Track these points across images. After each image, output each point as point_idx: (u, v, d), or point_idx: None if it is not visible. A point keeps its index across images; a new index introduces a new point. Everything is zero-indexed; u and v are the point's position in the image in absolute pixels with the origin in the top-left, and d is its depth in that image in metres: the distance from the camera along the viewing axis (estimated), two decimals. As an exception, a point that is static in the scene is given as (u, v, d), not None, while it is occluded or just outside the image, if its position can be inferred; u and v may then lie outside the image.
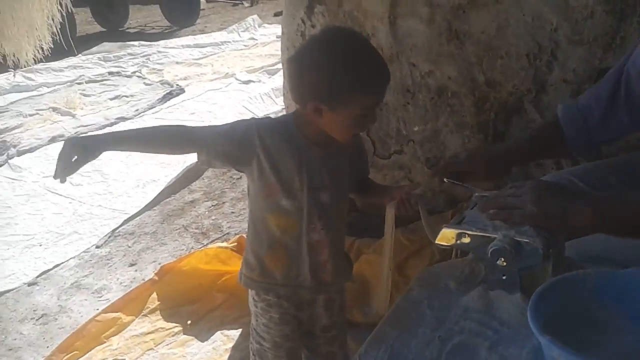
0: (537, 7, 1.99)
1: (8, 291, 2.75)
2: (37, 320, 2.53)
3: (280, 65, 5.71)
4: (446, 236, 1.18)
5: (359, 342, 1.93)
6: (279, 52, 6.13)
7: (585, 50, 1.96)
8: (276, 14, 8.41)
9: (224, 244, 2.56)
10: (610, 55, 1.93)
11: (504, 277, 1.11)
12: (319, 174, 1.31)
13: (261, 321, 1.41)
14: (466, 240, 1.16)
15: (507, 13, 2.03)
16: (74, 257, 2.95)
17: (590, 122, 1.39)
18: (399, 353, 1.04)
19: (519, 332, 1.02)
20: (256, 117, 4.36)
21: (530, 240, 1.08)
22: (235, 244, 2.51)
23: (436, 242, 1.20)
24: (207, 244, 2.83)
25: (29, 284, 2.78)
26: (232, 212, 3.17)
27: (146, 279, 2.55)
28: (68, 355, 2.17)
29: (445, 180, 1.39)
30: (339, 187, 1.36)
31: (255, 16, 7.88)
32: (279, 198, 1.30)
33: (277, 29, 7.21)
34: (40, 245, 3.10)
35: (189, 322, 2.27)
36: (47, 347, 2.33)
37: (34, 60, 5.28)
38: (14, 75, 5.96)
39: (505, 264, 1.09)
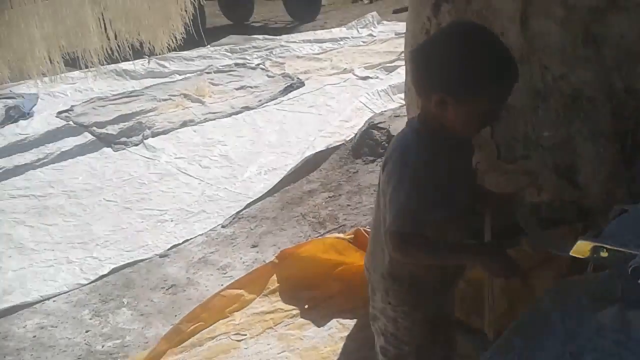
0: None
1: (141, 260, 3.02)
2: (166, 289, 2.76)
3: (398, 63, 5.74)
4: (582, 249, 1.16)
5: (477, 347, 1.94)
6: (397, 49, 6.22)
7: None
8: (395, 11, 8.38)
9: (341, 235, 2.64)
10: None
11: (643, 296, 1.08)
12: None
13: (403, 324, 1.44)
14: (604, 254, 1.13)
15: (653, 18, 1.93)
16: (201, 234, 3.18)
17: None
18: None
19: None
20: (373, 112, 4.42)
21: (676, 258, 1.05)
22: (352, 236, 2.58)
23: (570, 253, 1.18)
24: (324, 233, 2.94)
25: (161, 256, 3.04)
26: (348, 205, 3.25)
27: (267, 261, 2.70)
28: (194, 325, 2.36)
29: None
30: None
31: (374, 13, 7.92)
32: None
33: (395, 26, 7.22)
34: (172, 221, 3.37)
35: (306, 306, 2.39)
36: (175, 315, 2.55)
37: (168, 48, 5.66)
38: (149, 62, 6.44)
39: (647, 282, 1.06)
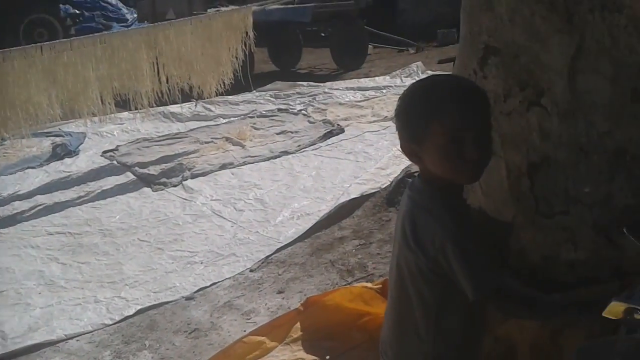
0: None
1: (167, 302, 3.01)
2: (189, 333, 2.72)
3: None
4: (615, 310, 1.09)
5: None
6: None
7: None
8: (440, 62, 8.42)
9: (369, 284, 2.57)
10: None
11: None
12: None
13: None
14: (638, 316, 1.06)
15: None
16: (229, 278, 3.15)
17: None
18: None
19: None
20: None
21: None
22: (380, 285, 2.50)
23: (603, 314, 1.11)
24: (352, 281, 2.87)
25: (187, 298, 3.02)
26: (379, 254, 3.18)
27: (292, 308, 2.65)
28: (214, 372, 2.30)
29: None
30: None
31: (419, 63, 7.97)
32: None
33: (440, 77, 7.21)
34: (201, 263, 3.36)
35: (327, 357, 2.30)
36: (195, 360, 2.50)
37: (216, 93, 5.81)
38: (196, 105, 6.62)
39: (687, 352, 0.97)
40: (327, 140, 5.39)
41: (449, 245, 1.23)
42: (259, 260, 3.28)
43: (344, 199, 3.89)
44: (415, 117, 1.26)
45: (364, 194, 3.95)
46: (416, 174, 1.37)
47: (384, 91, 7.15)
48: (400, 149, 1.34)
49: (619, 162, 2.10)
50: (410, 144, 1.27)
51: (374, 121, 5.86)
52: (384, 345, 1.46)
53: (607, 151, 2.12)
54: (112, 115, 5.16)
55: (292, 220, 3.76)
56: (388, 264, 2.96)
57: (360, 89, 7.35)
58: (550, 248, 2.34)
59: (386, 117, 5.90)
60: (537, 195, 2.35)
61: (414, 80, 7.25)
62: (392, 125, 5.58)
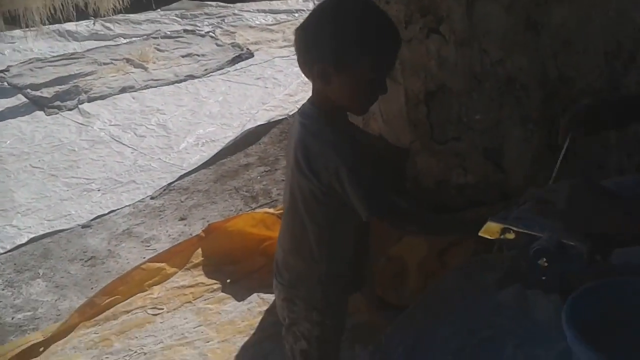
0: (623, 4, 1.88)
1: (62, 231, 2.89)
2: (85, 261, 2.65)
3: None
4: (490, 230, 1.15)
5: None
6: None
7: (670, 53, 1.84)
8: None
9: (271, 210, 2.59)
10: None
11: (543, 278, 1.07)
12: None
13: (331, 324, 1.44)
14: (510, 236, 1.12)
15: (591, 7, 1.93)
16: (128, 205, 3.06)
17: None
18: (425, 338, 1.03)
19: (550, 333, 0.99)
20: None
21: (576, 243, 1.04)
22: (282, 211, 2.52)
23: (479, 234, 1.17)
24: (255, 207, 2.88)
25: (83, 226, 2.92)
26: (283, 180, 3.18)
27: (193, 234, 2.62)
28: (110, 299, 2.27)
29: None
30: None
31: (333, -13, 7.78)
32: None
33: (353, 2, 7.12)
34: (99, 190, 3.23)
35: (228, 280, 2.33)
36: (92, 288, 2.45)
37: (114, 10, 5.41)
38: (94, 24, 6.17)
39: (546, 264, 1.05)
40: (236, 64, 5.21)
41: (342, 169, 1.24)
42: (161, 188, 3.20)
43: (250, 125, 3.82)
44: (347, 43, 1.19)
45: (272, 120, 3.89)
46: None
47: (296, 15, 6.94)
48: (303, 67, 1.25)
49: (509, 91, 2.20)
50: (326, 65, 1.19)
51: (285, 46, 5.71)
52: (279, 268, 1.49)
53: (498, 80, 2.20)
54: (2, 33, 4.72)
55: (196, 147, 3.66)
56: (292, 190, 3.01)
57: (272, 11, 7.09)
58: (443, 173, 2.45)
59: (297, 42, 5.78)
60: (432, 122, 2.43)
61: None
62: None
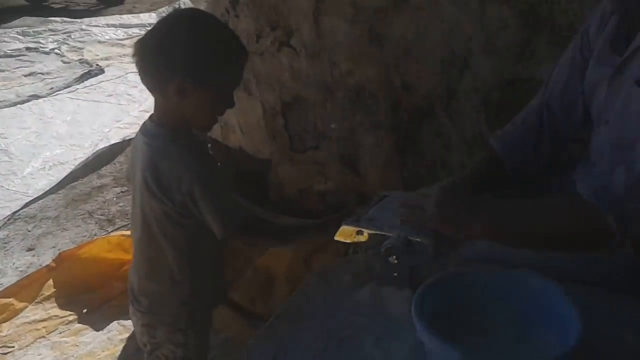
0: (455, 16, 2.04)
1: None
2: None
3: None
4: (345, 233, 1.19)
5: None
6: None
7: (497, 60, 2.02)
8: None
9: (128, 232, 2.47)
10: (520, 66, 2.01)
11: (395, 274, 1.12)
12: None
13: (194, 344, 1.42)
14: (363, 237, 1.17)
15: (426, 20, 2.07)
16: (-34, 239, 2.76)
17: (527, 154, 1.40)
18: (287, 346, 1.04)
19: (405, 327, 1.03)
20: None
21: (421, 239, 1.10)
22: (138, 234, 2.42)
23: (335, 238, 1.21)
24: (112, 231, 2.73)
25: None
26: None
27: (44, 265, 2.43)
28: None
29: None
30: None
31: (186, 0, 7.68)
32: None
33: (207, 16, 7.07)
34: None
35: (84, 310, 2.20)
36: None
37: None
38: None
39: (396, 261, 1.10)
40: (85, 82, 4.94)
41: (196, 188, 1.22)
42: (4, 217, 2.93)
43: (103, 144, 3.64)
44: (203, 60, 1.19)
45: (127, 138, 3.72)
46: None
47: (149, 28, 6.76)
48: (154, 82, 1.22)
49: (360, 100, 2.30)
50: (183, 80, 1.18)
51: (138, 62, 5.53)
52: (135, 295, 1.42)
53: (349, 90, 2.29)
54: None
55: (43, 171, 3.40)
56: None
57: (122, 25, 6.81)
58: (304, 181, 2.51)
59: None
60: (290, 133, 2.47)
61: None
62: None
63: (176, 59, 1.19)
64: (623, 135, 1.13)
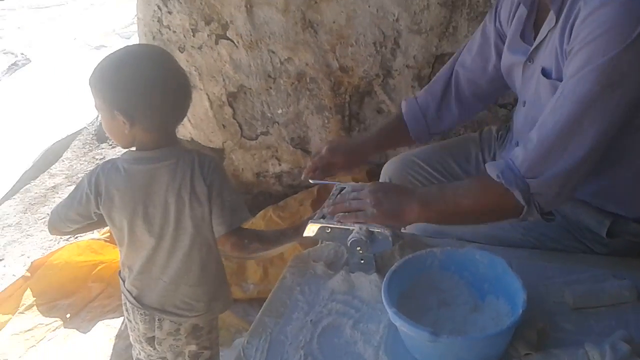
0: (380, 0, 2.17)
1: None
2: None
3: (135, 27, 5.45)
4: (312, 229, 1.33)
5: (241, 316, 2.09)
6: (133, 12, 5.79)
7: (424, 38, 2.19)
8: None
9: (95, 235, 2.54)
10: (445, 42, 2.19)
11: (362, 261, 1.29)
12: None
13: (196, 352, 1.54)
14: (329, 232, 1.32)
15: (354, 4, 2.19)
16: None
17: (428, 116, 1.62)
18: (277, 340, 1.16)
19: (377, 308, 1.19)
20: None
21: (381, 229, 1.27)
22: (108, 234, 2.49)
23: (304, 235, 1.35)
24: (76, 230, 2.77)
25: None
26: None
27: (16, 275, 2.48)
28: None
29: (310, 181, 1.54)
30: None
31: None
32: None
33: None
34: None
35: (68, 315, 2.28)
36: None
37: None
38: None
39: (362, 251, 1.27)
40: (13, 74, 4.79)
41: (216, 177, 1.38)
42: (-37, 230, 2.93)
43: (48, 143, 3.59)
44: (136, 99, 1.28)
45: (71, 133, 3.70)
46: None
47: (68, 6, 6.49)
48: (104, 104, 1.30)
49: (302, 85, 2.43)
50: (124, 118, 1.29)
51: (64, 44, 5.34)
52: (176, 306, 1.47)
53: (290, 76, 2.42)
54: None
55: (-8, 177, 3.36)
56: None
57: (39, 7, 6.55)
58: (259, 165, 2.65)
59: (76, 38, 5.43)
60: (239, 121, 2.59)
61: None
62: (86, 47, 5.18)
63: (108, 95, 1.29)
64: (536, 116, 1.28)
